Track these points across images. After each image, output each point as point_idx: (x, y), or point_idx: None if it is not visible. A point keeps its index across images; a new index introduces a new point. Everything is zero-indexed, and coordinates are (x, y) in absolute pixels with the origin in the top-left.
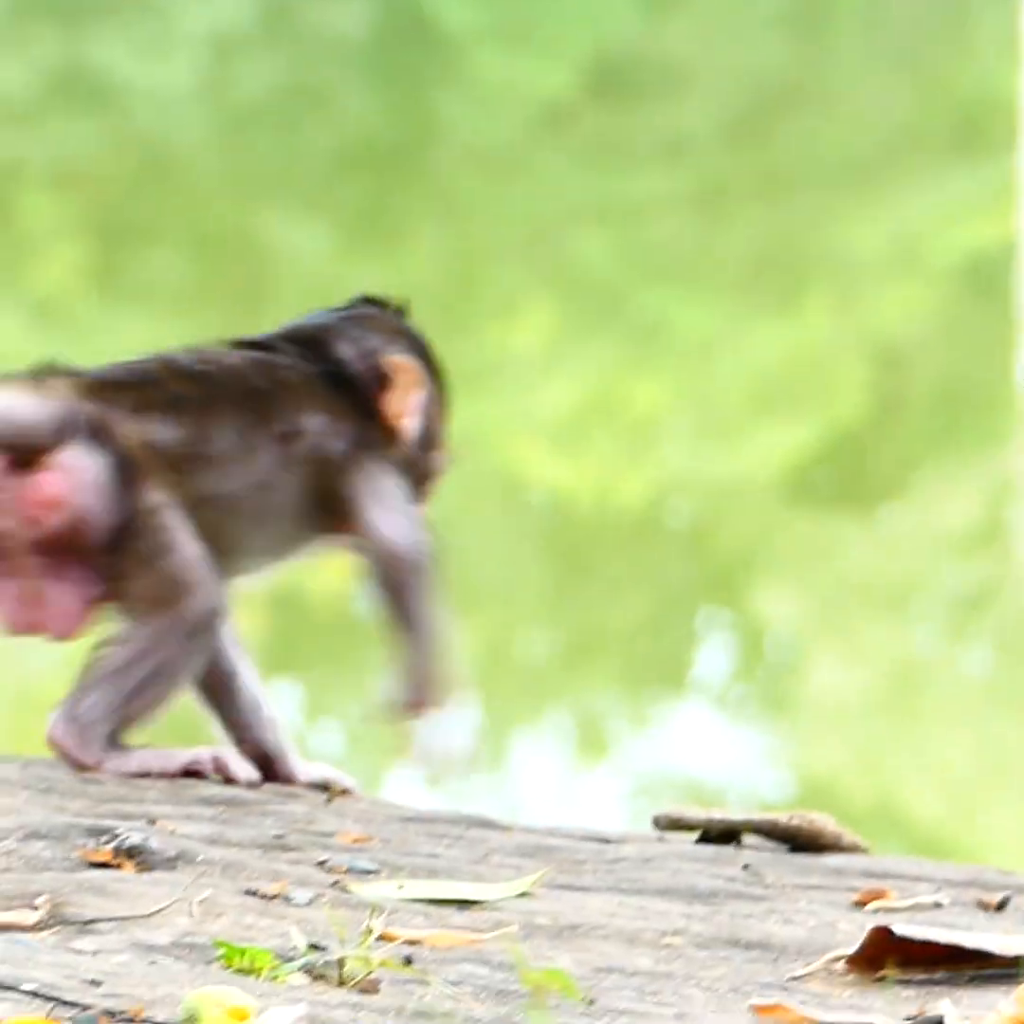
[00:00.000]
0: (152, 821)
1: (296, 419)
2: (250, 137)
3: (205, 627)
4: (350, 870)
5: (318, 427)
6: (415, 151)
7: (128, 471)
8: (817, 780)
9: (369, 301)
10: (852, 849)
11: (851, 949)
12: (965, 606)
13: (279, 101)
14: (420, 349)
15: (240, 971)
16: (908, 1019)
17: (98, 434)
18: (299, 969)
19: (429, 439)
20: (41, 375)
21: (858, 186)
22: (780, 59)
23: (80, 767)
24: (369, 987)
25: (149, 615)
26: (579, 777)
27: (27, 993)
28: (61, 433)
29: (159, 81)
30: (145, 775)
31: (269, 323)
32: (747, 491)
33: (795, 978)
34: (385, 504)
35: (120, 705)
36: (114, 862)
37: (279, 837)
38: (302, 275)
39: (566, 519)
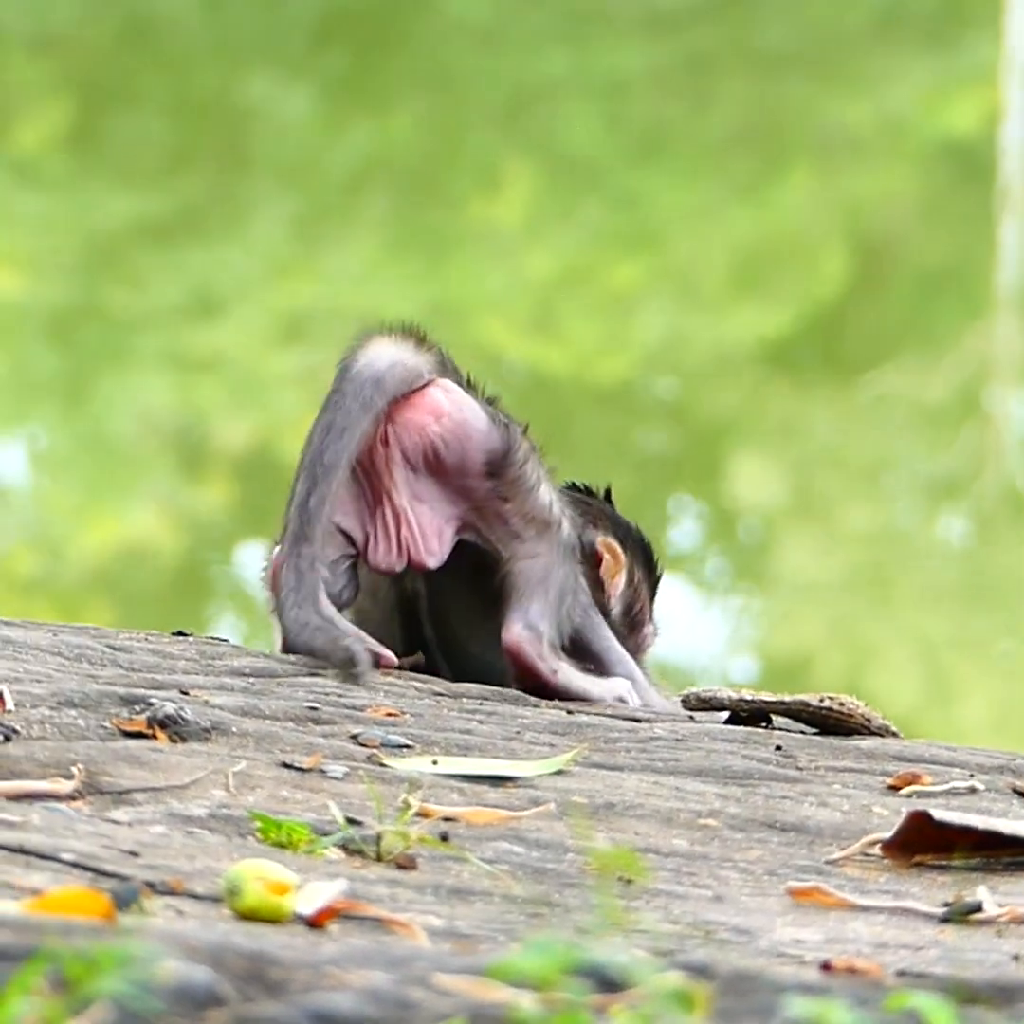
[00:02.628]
0: (185, 691)
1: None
2: (234, 3)
3: (573, 555)
4: (384, 744)
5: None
6: (399, 20)
7: (498, 415)
8: (791, 657)
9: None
10: (882, 732)
11: (887, 834)
12: (942, 484)
13: None
14: (630, 535)
15: (277, 844)
16: (945, 905)
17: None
18: (336, 844)
19: (634, 615)
20: (405, 331)
21: (843, 62)
22: None
23: (535, 677)
24: (406, 863)
25: (518, 541)
26: None
27: (67, 863)
28: (441, 370)
29: None
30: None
31: (248, 188)
32: (726, 367)
33: (831, 862)
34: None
35: (555, 617)
36: (148, 732)
37: (312, 709)
38: (283, 142)
39: (543, 393)
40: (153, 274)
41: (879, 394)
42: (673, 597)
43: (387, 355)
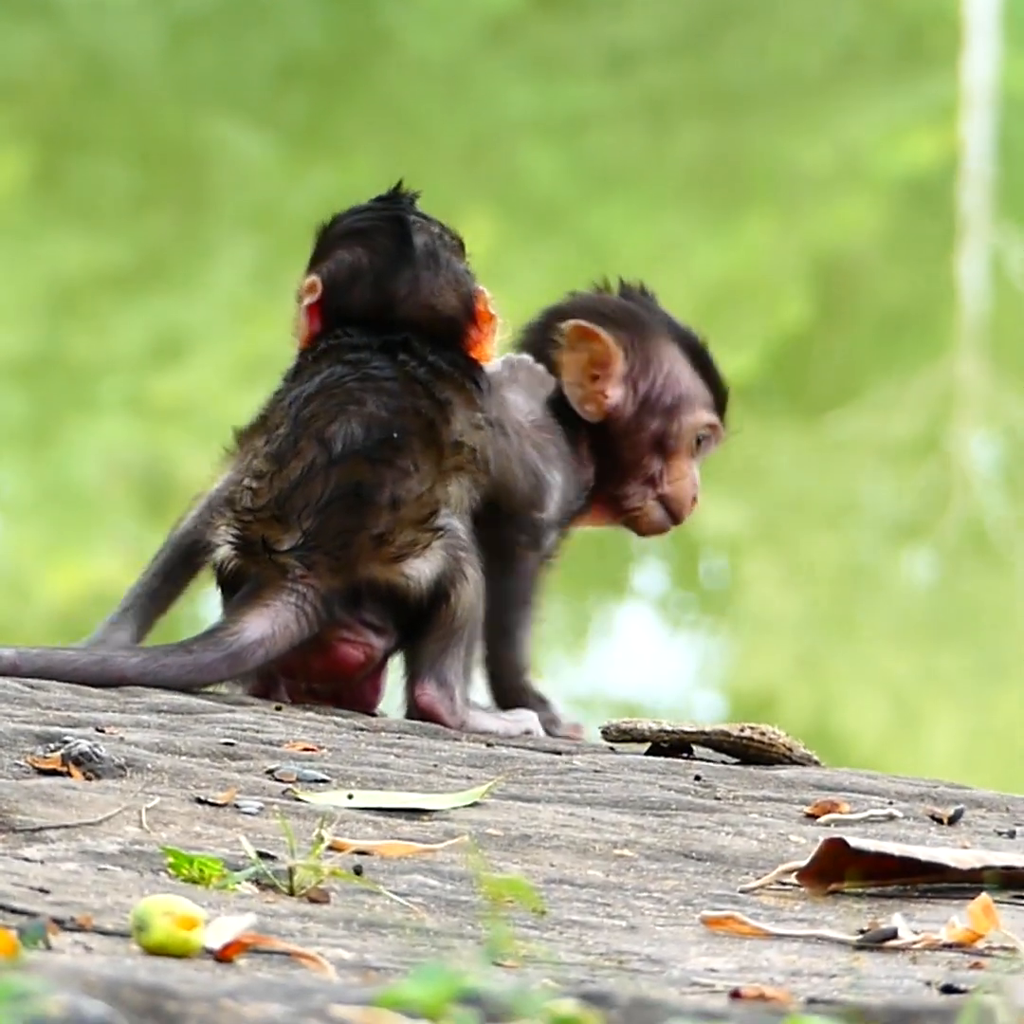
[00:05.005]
0: (100, 729)
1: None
2: (194, 47)
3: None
4: (300, 779)
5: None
6: (360, 62)
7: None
8: (756, 693)
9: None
10: (804, 762)
11: (803, 862)
12: (906, 521)
13: (224, 11)
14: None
15: (189, 880)
16: (860, 932)
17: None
18: (248, 878)
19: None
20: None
21: (803, 100)
22: None
23: (446, 727)
24: (319, 897)
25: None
26: None
27: None
28: (324, 627)
29: None
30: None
31: (210, 233)
32: None
33: (746, 890)
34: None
35: (468, 666)
36: (63, 769)
37: (228, 745)
38: (245, 186)
39: None
40: (116, 319)
41: (843, 432)
42: (637, 634)
43: None
